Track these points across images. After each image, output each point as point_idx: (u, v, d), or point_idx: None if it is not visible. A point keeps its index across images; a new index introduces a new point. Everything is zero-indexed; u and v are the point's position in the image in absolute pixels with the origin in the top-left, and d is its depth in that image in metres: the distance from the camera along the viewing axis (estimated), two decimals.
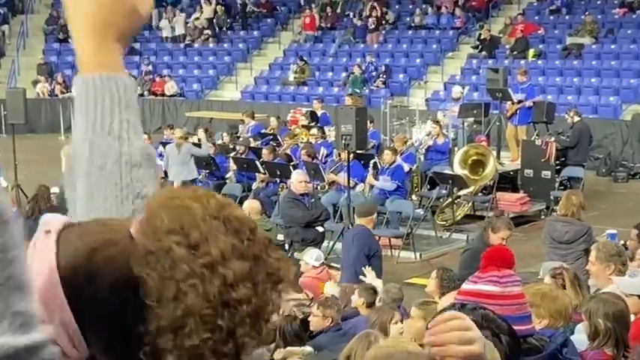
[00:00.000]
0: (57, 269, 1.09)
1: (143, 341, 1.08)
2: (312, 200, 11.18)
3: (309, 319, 6.71)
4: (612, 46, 21.29)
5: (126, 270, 1.09)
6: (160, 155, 15.26)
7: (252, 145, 15.79)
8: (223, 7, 27.38)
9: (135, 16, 1.41)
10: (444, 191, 13.68)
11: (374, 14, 24.76)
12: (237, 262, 1.09)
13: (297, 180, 11.15)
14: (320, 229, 10.83)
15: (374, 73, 22.86)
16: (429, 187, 14.27)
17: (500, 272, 2.70)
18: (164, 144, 15.50)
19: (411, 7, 25.75)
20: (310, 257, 9.22)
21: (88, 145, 1.34)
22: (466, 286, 2.74)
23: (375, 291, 7.23)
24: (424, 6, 25.09)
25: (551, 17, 23.21)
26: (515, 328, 2.63)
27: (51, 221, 1.15)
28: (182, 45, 27.16)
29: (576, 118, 15.49)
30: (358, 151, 12.77)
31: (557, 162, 14.69)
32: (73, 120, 1.40)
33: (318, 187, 13.50)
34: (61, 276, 1.09)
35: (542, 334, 3.04)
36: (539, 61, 21.68)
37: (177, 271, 1.07)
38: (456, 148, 14.68)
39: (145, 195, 1.33)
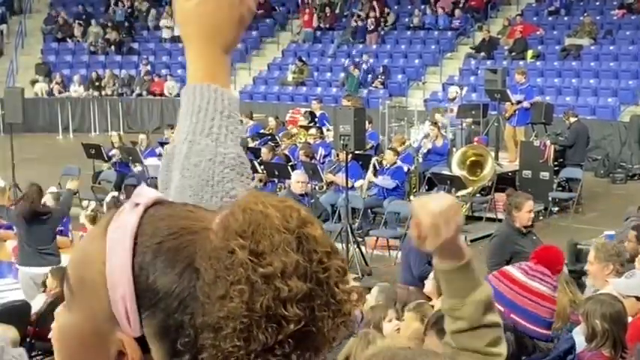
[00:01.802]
0: (133, 245, 1.10)
1: (186, 332, 1.09)
2: (312, 200, 11.18)
3: None
4: (611, 48, 21.31)
5: (189, 261, 1.10)
6: (160, 155, 15.27)
7: (250, 145, 15.78)
8: None
9: (242, 24, 1.47)
10: (442, 192, 13.68)
11: (372, 15, 24.76)
12: (297, 281, 1.06)
13: (295, 180, 11.15)
14: None
15: (370, 75, 22.87)
16: (427, 187, 14.27)
17: (554, 276, 2.71)
18: (163, 144, 15.50)
19: (409, 7, 25.76)
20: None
21: (187, 145, 1.40)
22: (517, 274, 2.70)
23: (367, 291, 7.23)
24: (423, 7, 25.10)
25: (550, 18, 23.22)
26: (531, 326, 2.64)
27: (142, 194, 1.16)
28: (181, 45, 27.01)
29: (573, 119, 15.50)
30: (356, 152, 12.77)
31: (556, 163, 14.70)
32: (177, 125, 1.47)
33: (317, 188, 13.51)
34: (134, 252, 1.10)
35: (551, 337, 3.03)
36: (538, 62, 21.69)
37: (232, 273, 1.06)
38: (454, 149, 14.68)
39: (233, 196, 1.37)
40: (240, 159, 1.44)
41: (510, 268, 2.75)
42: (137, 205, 1.14)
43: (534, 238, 7.41)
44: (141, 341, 1.12)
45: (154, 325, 1.10)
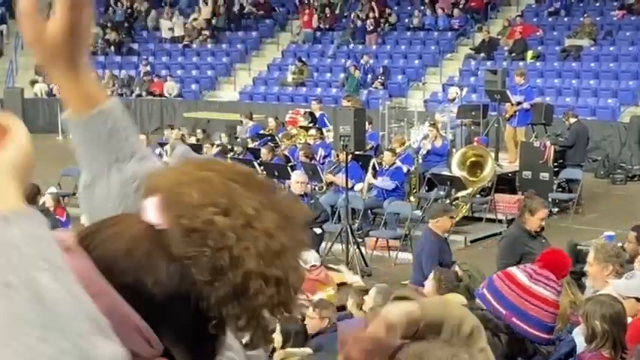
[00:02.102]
0: (103, 280, 1.08)
1: (209, 315, 1.09)
2: (312, 201, 11.17)
3: (307, 319, 6.70)
4: (611, 48, 21.31)
5: (167, 258, 1.09)
6: (160, 156, 15.27)
7: (250, 145, 15.78)
8: (224, 8, 27.38)
9: (75, 37, 1.42)
10: (442, 193, 13.67)
11: (372, 15, 24.77)
12: (269, 213, 1.10)
13: (294, 181, 11.15)
14: (318, 230, 10.81)
15: (369, 76, 22.87)
16: (427, 188, 14.27)
17: (559, 280, 2.70)
18: (162, 144, 15.50)
19: (409, 8, 25.77)
20: (308, 258, 9.21)
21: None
22: (521, 276, 2.69)
23: (365, 292, 7.22)
24: (422, 7, 25.10)
25: (550, 19, 23.23)
26: (533, 331, 2.62)
27: (63, 238, 1.12)
28: (180, 45, 27.15)
29: (573, 120, 15.50)
30: (356, 153, 12.76)
31: (556, 164, 14.69)
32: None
33: (316, 188, 13.50)
34: (112, 283, 1.09)
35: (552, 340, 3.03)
36: (538, 63, 21.69)
37: (227, 239, 1.07)
38: (454, 150, 14.68)
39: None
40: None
41: (515, 270, 2.74)
42: (69, 249, 1.10)
43: (543, 241, 7.37)
44: (165, 354, 1.12)
45: (171, 334, 1.10)
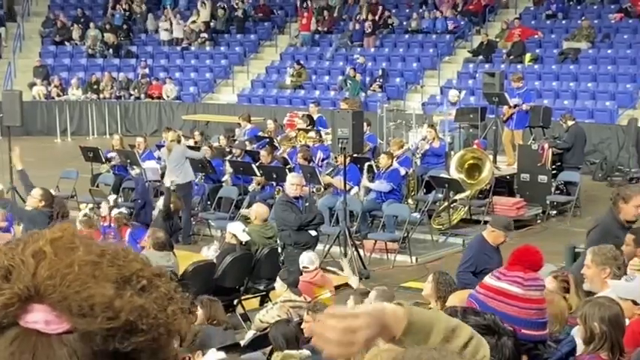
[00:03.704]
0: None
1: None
2: (307, 204, 11.16)
3: (303, 324, 6.70)
4: (609, 51, 21.34)
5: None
6: (159, 159, 15.27)
7: (248, 148, 15.78)
8: (224, 11, 27.39)
9: None
10: (440, 195, 13.69)
11: (370, 18, 24.79)
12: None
13: (289, 182, 11.14)
14: (313, 232, 10.80)
15: (368, 79, 22.89)
16: (425, 190, 14.28)
17: (526, 274, 2.67)
18: (161, 147, 15.50)
19: (407, 11, 25.79)
20: (302, 260, 9.23)
21: None
22: (489, 280, 2.70)
23: (365, 295, 7.23)
24: (421, 10, 25.12)
25: (548, 22, 23.26)
26: (528, 332, 2.62)
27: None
28: (179, 48, 27.16)
29: (570, 122, 15.51)
30: (354, 155, 12.76)
31: (554, 166, 14.71)
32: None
33: (315, 190, 13.50)
34: None
35: (550, 338, 3.03)
36: (536, 66, 21.72)
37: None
38: (452, 152, 14.69)
39: None
40: None
41: (488, 279, 2.74)
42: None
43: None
44: None
45: None
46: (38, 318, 1.05)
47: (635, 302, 4.82)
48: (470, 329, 1.79)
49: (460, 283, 7.66)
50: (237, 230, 9.83)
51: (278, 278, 8.36)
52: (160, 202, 12.45)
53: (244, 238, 9.81)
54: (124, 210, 11.99)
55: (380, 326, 1.66)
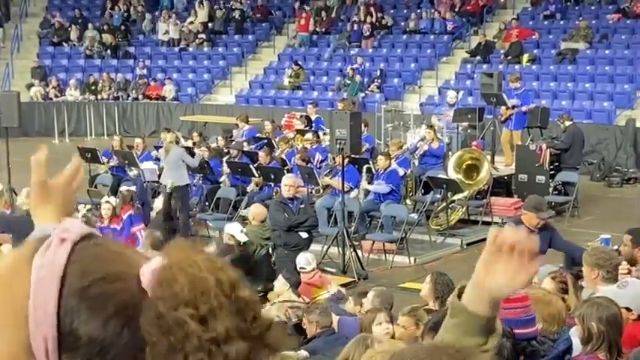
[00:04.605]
0: (60, 285, 1.08)
1: None
2: (302, 205, 11.15)
3: (303, 325, 6.71)
4: (606, 52, 21.35)
5: (123, 308, 1.09)
6: (157, 159, 15.25)
7: (245, 148, 15.78)
8: (222, 11, 27.38)
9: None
10: (438, 196, 13.69)
11: (368, 19, 24.79)
12: (239, 341, 1.09)
13: (283, 184, 11.16)
14: (304, 234, 10.79)
15: (366, 79, 22.89)
16: (423, 191, 14.28)
17: None
18: (159, 148, 15.48)
19: (405, 12, 25.80)
20: (299, 261, 9.24)
21: None
22: None
23: (363, 295, 7.23)
24: (419, 11, 25.13)
25: (546, 22, 23.26)
26: (519, 331, 2.62)
27: (69, 229, 1.13)
28: (177, 49, 27.15)
29: (568, 123, 15.52)
30: (352, 156, 12.76)
31: (552, 167, 14.71)
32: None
33: (313, 192, 13.51)
34: (60, 294, 1.08)
35: (547, 337, 3.04)
36: (534, 66, 21.73)
37: (189, 344, 1.07)
38: (450, 153, 14.69)
39: None
40: None
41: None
42: (64, 240, 1.11)
43: None
44: None
45: None
46: None
47: (628, 309, 4.80)
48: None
49: None
50: (235, 231, 9.83)
51: (280, 277, 8.37)
52: (157, 203, 12.44)
53: (242, 238, 9.82)
54: (133, 188, 12.06)
55: None
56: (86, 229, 1.16)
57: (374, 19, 24.83)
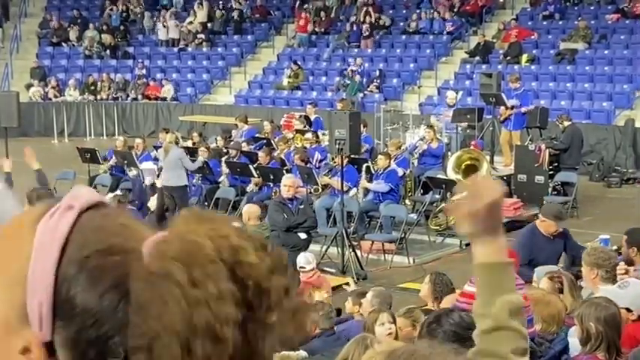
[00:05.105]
0: (60, 251, 1.07)
1: (116, 350, 1.06)
2: (302, 206, 11.15)
3: None
4: (605, 52, 21.36)
5: (121, 282, 1.07)
6: (156, 159, 15.26)
7: (245, 149, 15.79)
8: (221, 12, 27.38)
9: None
10: (437, 196, 13.69)
11: (367, 19, 24.79)
12: (232, 306, 1.05)
13: (282, 184, 11.17)
14: (302, 235, 10.78)
15: (365, 79, 22.90)
16: (422, 191, 14.29)
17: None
18: (158, 148, 15.49)
19: (404, 12, 25.80)
20: (299, 260, 9.24)
21: None
22: (469, 288, 2.72)
23: (362, 295, 7.23)
24: (418, 11, 25.14)
25: (545, 22, 23.27)
26: None
27: (78, 196, 1.12)
28: (176, 49, 27.15)
29: (567, 123, 15.53)
30: (351, 156, 12.77)
31: (551, 167, 14.72)
32: None
33: (312, 192, 13.51)
34: (60, 261, 1.07)
35: (544, 337, 3.04)
36: (533, 66, 21.73)
37: (169, 293, 1.04)
38: (449, 153, 14.69)
39: None
40: None
41: (467, 287, 2.75)
42: (71, 207, 1.10)
43: None
44: (49, 344, 1.08)
45: (65, 335, 1.07)
46: None
47: (628, 309, 4.80)
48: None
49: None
50: None
51: None
52: (152, 203, 12.43)
53: None
54: (118, 192, 12.03)
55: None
56: (96, 197, 1.15)
57: (373, 20, 24.83)
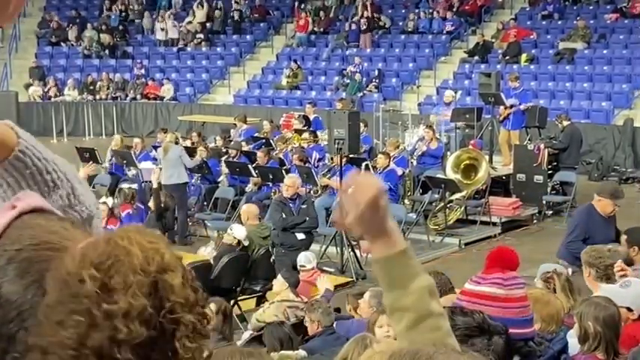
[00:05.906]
0: None
1: (16, 347, 1.06)
2: (304, 206, 11.14)
3: (304, 323, 6.71)
4: (604, 52, 21.36)
5: (41, 277, 1.07)
6: (155, 159, 15.25)
7: (244, 148, 15.79)
8: (220, 11, 27.37)
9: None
10: (436, 195, 13.69)
11: (366, 19, 24.78)
12: (139, 326, 1.02)
13: (284, 183, 11.18)
14: (300, 235, 10.77)
15: (364, 79, 22.90)
16: (421, 191, 14.28)
17: (505, 274, 2.68)
18: (157, 147, 15.48)
19: (403, 11, 25.80)
20: (300, 259, 9.24)
21: None
22: (469, 286, 2.72)
23: (360, 295, 7.23)
24: (417, 11, 25.13)
25: (544, 22, 23.27)
26: (516, 331, 2.63)
27: (23, 198, 1.14)
28: (175, 49, 27.14)
29: (566, 122, 15.53)
30: (351, 155, 12.76)
31: (550, 167, 14.72)
32: None
33: (312, 191, 13.50)
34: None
35: (544, 337, 3.04)
36: (532, 66, 21.74)
37: (75, 302, 1.02)
38: (448, 153, 14.70)
39: None
40: None
41: (468, 285, 2.76)
42: (13, 207, 1.12)
43: None
44: None
45: None
46: None
47: (629, 309, 4.79)
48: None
49: (569, 255, 7.37)
50: (240, 235, 9.80)
51: (279, 276, 8.37)
52: (151, 203, 12.43)
53: (245, 242, 9.83)
54: (134, 186, 12.03)
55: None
56: (40, 203, 1.15)
57: (372, 19, 24.82)
